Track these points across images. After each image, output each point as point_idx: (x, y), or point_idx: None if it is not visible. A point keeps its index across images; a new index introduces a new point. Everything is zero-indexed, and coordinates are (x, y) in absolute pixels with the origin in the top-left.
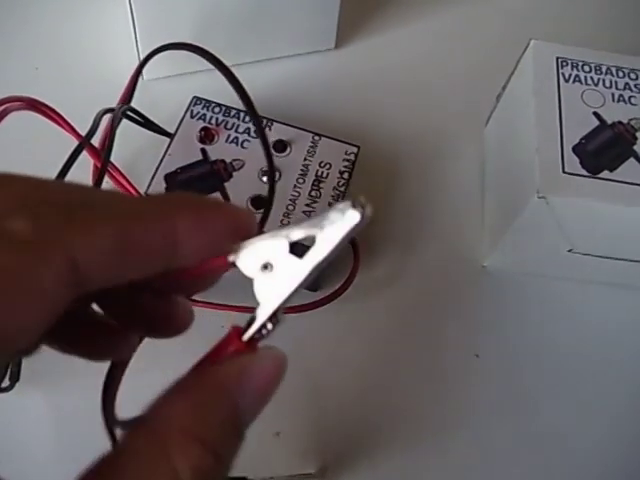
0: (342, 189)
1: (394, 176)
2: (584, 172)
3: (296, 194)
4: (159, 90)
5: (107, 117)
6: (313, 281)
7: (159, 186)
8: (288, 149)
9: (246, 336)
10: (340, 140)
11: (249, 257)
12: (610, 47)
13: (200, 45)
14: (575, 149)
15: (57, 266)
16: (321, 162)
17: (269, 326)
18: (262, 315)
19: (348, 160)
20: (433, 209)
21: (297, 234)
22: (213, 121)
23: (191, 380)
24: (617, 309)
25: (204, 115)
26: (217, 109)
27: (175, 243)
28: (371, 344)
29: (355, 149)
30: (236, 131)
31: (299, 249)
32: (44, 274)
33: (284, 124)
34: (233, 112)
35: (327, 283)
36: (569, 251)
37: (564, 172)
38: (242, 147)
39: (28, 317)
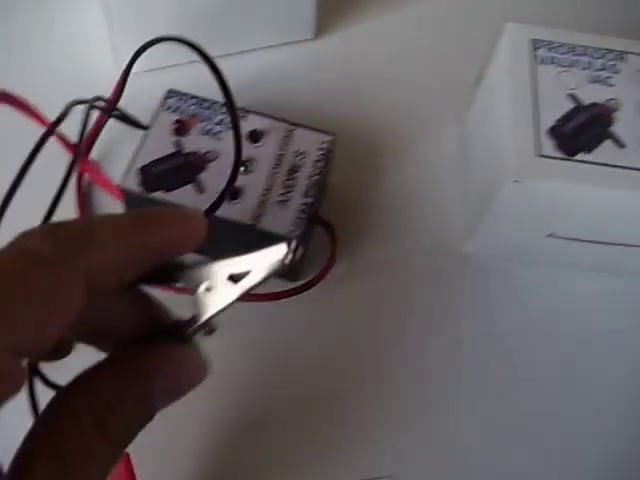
0: (317, 178)
1: (374, 164)
2: (560, 154)
3: (271, 184)
4: (135, 84)
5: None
6: (292, 271)
7: (134, 178)
8: (263, 139)
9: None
10: (315, 129)
11: (194, 279)
12: (589, 28)
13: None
14: (550, 131)
15: (76, 282)
16: (296, 151)
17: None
18: (198, 318)
19: (323, 149)
20: (414, 196)
21: (237, 268)
22: (187, 113)
23: (122, 361)
24: (598, 293)
25: (178, 108)
26: (191, 101)
27: (157, 249)
28: (350, 333)
29: (330, 138)
30: (210, 123)
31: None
32: (64, 290)
33: (259, 114)
34: (207, 104)
35: (306, 273)
36: (549, 235)
37: (539, 155)
38: (216, 139)
39: (48, 324)
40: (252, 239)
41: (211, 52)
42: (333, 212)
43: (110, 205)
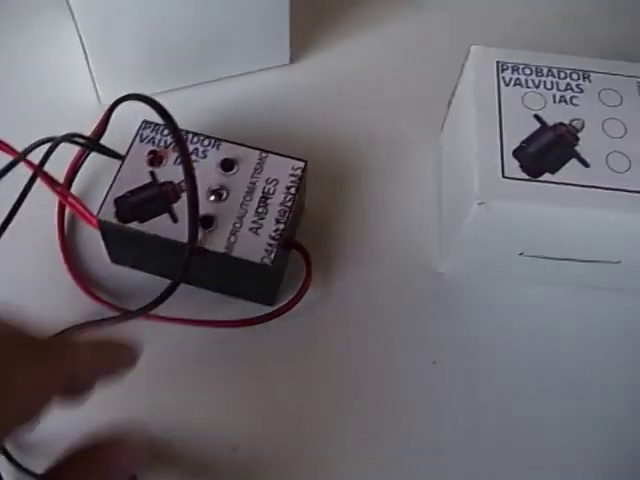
0: (289, 204)
1: (350, 187)
2: (524, 176)
3: (243, 212)
4: (115, 112)
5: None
6: (269, 296)
7: (110, 210)
8: (235, 167)
9: None
10: (287, 156)
11: None
12: (555, 48)
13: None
14: (515, 153)
15: None
16: (268, 179)
17: None
18: None
19: (295, 175)
20: (389, 219)
21: None
22: (162, 144)
23: None
24: (572, 308)
25: (153, 138)
26: (166, 132)
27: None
28: (324, 356)
29: (302, 164)
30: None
31: None
32: None
33: (232, 143)
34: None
35: (283, 297)
36: (520, 254)
37: (504, 177)
38: None
39: None
40: (226, 267)
41: (187, 81)
42: (309, 236)
43: (93, 236)
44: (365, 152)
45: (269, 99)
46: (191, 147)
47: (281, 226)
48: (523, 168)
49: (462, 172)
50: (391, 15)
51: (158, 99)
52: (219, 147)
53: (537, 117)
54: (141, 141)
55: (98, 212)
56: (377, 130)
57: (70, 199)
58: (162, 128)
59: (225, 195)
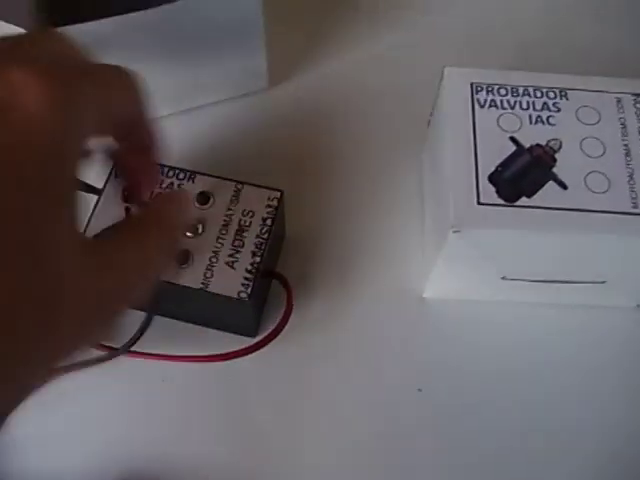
0: (265, 236)
1: (331, 214)
2: (500, 201)
3: (219, 245)
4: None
5: None
6: (250, 328)
7: None
8: (211, 201)
9: None
10: (262, 186)
11: None
12: (534, 67)
13: None
14: (491, 178)
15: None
16: (244, 210)
17: None
18: None
19: (271, 206)
20: (372, 243)
21: None
22: None
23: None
24: (558, 329)
25: None
26: None
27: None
28: (308, 386)
29: (278, 194)
30: (159, 187)
31: None
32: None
33: (207, 175)
34: None
35: (265, 328)
36: (502, 278)
37: (479, 203)
38: None
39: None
40: (204, 301)
41: (160, 111)
42: (291, 264)
43: None
44: (348, 176)
45: (247, 126)
46: (166, 181)
47: (257, 259)
48: (499, 193)
49: (440, 197)
50: (372, 35)
51: None
52: (194, 180)
53: (513, 139)
54: (116, 177)
55: None
56: (359, 153)
57: None
58: None
59: (201, 229)
